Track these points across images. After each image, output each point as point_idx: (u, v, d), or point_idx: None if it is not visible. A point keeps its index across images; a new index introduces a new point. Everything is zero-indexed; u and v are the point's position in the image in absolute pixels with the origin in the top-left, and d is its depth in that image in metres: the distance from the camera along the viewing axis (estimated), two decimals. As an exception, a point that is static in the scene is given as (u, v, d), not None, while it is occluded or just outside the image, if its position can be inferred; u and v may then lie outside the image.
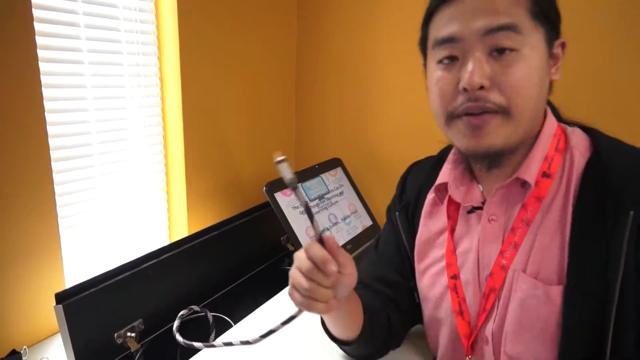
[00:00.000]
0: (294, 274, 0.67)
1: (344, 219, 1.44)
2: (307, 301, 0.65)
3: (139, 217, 1.33)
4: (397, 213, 0.90)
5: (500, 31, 0.61)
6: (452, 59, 0.66)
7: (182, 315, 1.07)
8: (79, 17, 1.09)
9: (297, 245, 1.28)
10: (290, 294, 0.68)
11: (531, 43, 0.63)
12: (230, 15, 1.45)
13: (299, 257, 0.66)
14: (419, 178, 0.89)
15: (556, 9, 0.67)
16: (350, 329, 0.81)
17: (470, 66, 0.62)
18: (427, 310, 0.84)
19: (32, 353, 1.00)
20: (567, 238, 0.65)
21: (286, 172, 0.61)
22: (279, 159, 0.60)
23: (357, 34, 1.64)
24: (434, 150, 0.90)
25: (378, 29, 1.59)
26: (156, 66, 1.31)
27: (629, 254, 0.60)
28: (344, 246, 1.36)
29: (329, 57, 1.73)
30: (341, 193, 1.47)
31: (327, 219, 1.40)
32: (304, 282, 0.64)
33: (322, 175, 1.45)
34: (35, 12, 0.98)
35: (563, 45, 0.69)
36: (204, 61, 1.39)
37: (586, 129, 0.73)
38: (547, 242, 0.67)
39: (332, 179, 1.47)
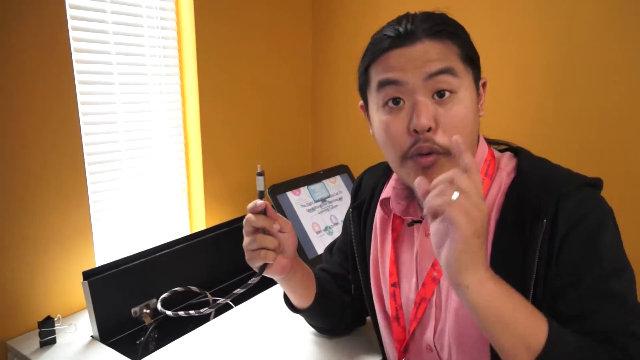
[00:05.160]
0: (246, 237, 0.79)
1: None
2: (258, 252, 0.77)
3: (163, 214, 1.51)
4: (350, 210, 0.95)
5: (441, 74, 0.67)
6: (397, 102, 0.70)
7: (165, 297, 1.22)
8: (110, 46, 1.30)
9: (303, 240, 1.43)
10: (249, 256, 0.79)
11: (464, 85, 0.69)
12: (245, 25, 1.61)
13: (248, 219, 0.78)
14: (373, 178, 0.96)
15: (476, 53, 0.74)
16: (305, 296, 0.91)
17: (418, 109, 0.67)
18: (374, 309, 0.91)
19: (64, 321, 1.17)
20: (489, 248, 0.69)
21: (260, 184, 0.79)
22: (259, 171, 0.78)
23: (366, 41, 1.75)
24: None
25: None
26: (177, 84, 1.50)
27: (541, 259, 0.65)
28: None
29: (343, 60, 1.82)
30: (340, 198, 1.61)
31: (329, 219, 1.55)
32: (250, 237, 0.78)
33: (324, 181, 1.60)
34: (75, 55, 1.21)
35: (484, 84, 0.76)
36: (220, 73, 1.54)
37: (515, 150, 0.78)
38: None
39: (332, 185, 1.62)
